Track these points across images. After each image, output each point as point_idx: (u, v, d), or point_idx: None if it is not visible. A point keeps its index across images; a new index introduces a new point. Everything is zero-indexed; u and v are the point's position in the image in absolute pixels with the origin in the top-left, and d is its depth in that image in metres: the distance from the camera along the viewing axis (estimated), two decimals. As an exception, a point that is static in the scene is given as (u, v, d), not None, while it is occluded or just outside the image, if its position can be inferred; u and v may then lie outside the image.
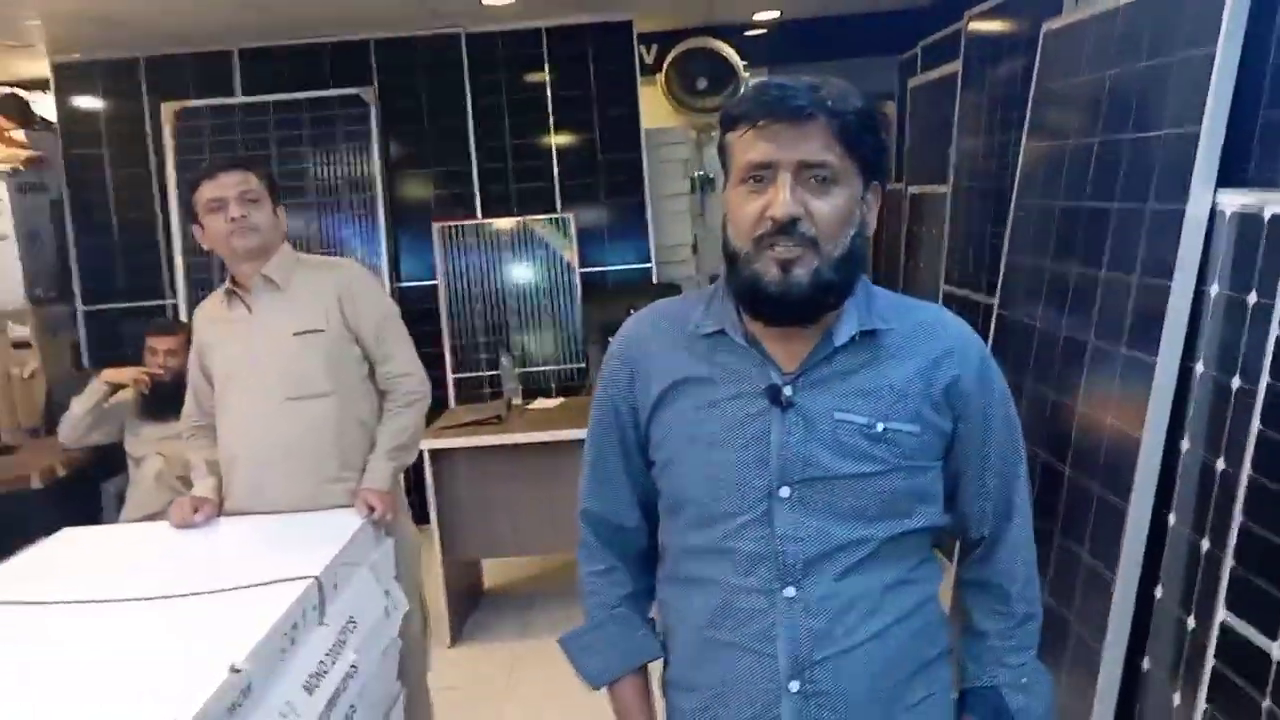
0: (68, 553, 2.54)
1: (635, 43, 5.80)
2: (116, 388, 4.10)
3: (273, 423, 2.68)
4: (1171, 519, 2.31)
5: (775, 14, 6.34)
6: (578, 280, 5.66)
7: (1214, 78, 2.23)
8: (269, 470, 2.68)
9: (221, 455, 2.76)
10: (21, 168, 5.59)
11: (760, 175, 1.30)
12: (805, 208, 1.28)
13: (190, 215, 2.73)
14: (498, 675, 3.99)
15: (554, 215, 5.71)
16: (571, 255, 5.65)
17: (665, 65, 6.59)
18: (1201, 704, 2.10)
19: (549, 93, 5.80)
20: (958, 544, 1.58)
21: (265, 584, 2.11)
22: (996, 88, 4.08)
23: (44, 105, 6.00)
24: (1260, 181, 2.19)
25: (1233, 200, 2.20)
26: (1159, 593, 2.35)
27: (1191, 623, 2.19)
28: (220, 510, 2.71)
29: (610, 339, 1.56)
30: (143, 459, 4.05)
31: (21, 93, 6.07)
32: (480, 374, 5.63)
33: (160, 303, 5.70)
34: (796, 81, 1.29)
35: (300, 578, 2.13)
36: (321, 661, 2.06)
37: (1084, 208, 2.80)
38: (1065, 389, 2.78)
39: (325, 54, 5.71)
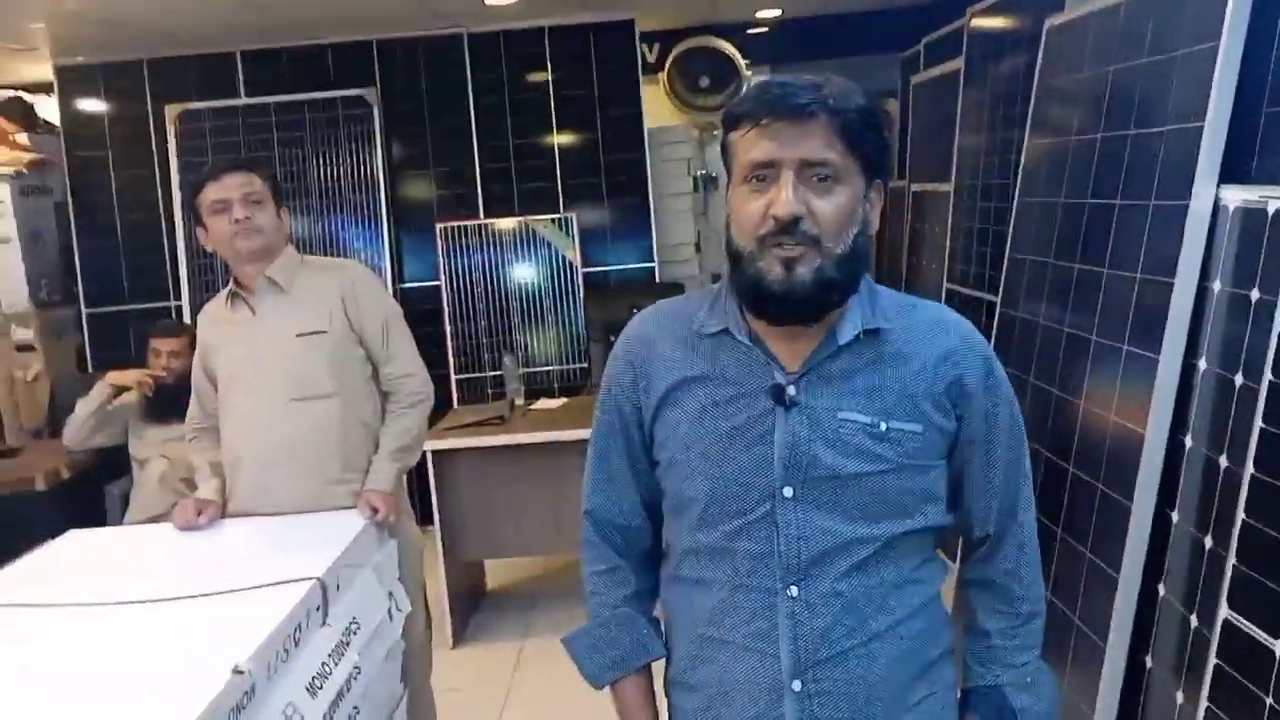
0: (72, 555, 2.54)
1: (637, 42, 5.80)
2: (121, 390, 4.11)
3: (276, 424, 2.68)
4: (1174, 516, 2.31)
5: (777, 12, 6.34)
6: (580, 280, 5.67)
7: (1217, 73, 2.22)
8: (273, 471, 2.68)
9: (225, 457, 2.76)
10: (25, 170, 5.60)
11: (763, 174, 1.30)
12: (808, 206, 1.28)
13: (194, 217, 2.74)
14: (500, 676, 3.99)
15: (556, 215, 5.71)
16: (574, 255, 5.66)
17: (667, 64, 6.59)
18: (1204, 702, 2.09)
19: (551, 92, 5.80)
20: (960, 543, 1.58)
21: (268, 585, 2.11)
22: (999, 84, 4.07)
23: (47, 108, 6.01)
24: (1263, 177, 2.18)
25: (1236, 196, 2.19)
26: (1162, 590, 2.34)
27: (1194, 620, 2.19)
28: (224, 512, 2.72)
29: (613, 338, 1.56)
30: (147, 461, 4.05)
31: (25, 96, 6.09)
32: (483, 374, 5.63)
33: (164, 305, 5.71)
34: (799, 80, 1.30)
35: (303, 579, 2.13)
36: (325, 663, 2.06)
37: (1087, 204, 2.79)
38: (1068, 386, 2.77)
39: (327, 55, 5.72)
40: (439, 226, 5.65)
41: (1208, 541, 2.16)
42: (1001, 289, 3.37)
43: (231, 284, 2.76)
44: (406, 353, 2.84)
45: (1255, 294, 2.08)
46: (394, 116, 5.73)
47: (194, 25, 5.11)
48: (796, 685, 1.36)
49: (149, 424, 4.09)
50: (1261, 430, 1.99)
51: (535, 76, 5.79)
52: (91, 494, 4.38)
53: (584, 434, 3.92)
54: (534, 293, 5.67)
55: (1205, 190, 2.25)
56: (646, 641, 1.56)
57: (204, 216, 2.68)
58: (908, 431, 1.36)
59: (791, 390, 1.36)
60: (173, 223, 5.66)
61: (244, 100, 5.64)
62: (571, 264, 5.66)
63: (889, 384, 1.37)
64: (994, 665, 1.50)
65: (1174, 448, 2.31)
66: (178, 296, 5.67)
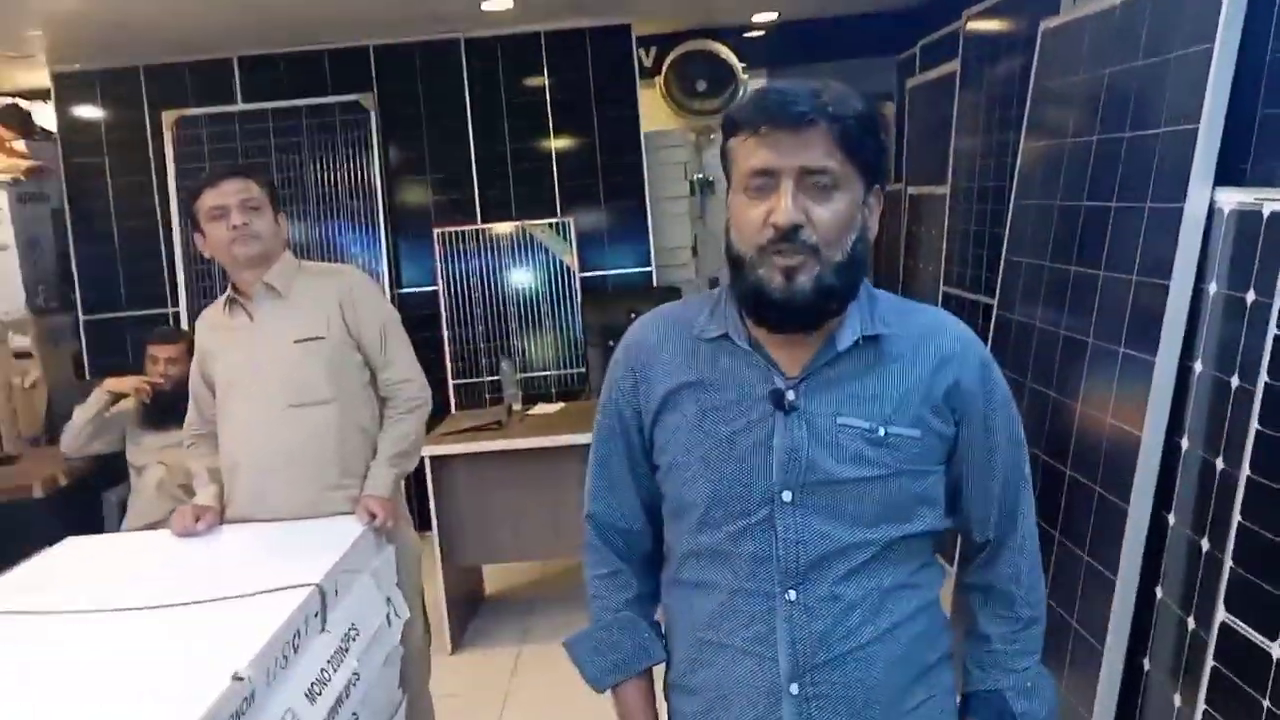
0: (70, 562, 2.54)
1: (634, 46, 5.80)
2: (118, 397, 4.11)
3: (274, 430, 2.68)
4: (1171, 519, 2.31)
5: (774, 15, 6.34)
6: (578, 284, 5.67)
7: (1212, 75, 2.23)
8: (271, 477, 2.68)
9: (223, 463, 2.76)
10: (22, 177, 5.60)
11: (762, 182, 1.30)
12: (807, 214, 1.28)
13: (192, 223, 2.74)
14: (499, 682, 3.99)
15: (554, 219, 5.72)
16: (571, 259, 5.66)
17: (664, 68, 6.60)
18: (1201, 704, 2.09)
19: (548, 97, 5.80)
20: (959, 547, 1.58)
21: (267, 592, 2.11)
22: (995, 87, 4.08)
23: (44, 115, 6.01)
24: (1258, 179, 2.19)
25: (1231, 198, 2.20)
26: (1159, 593, 2.34)
27: (1192, 623, 2.19)
28: (222, 518, 2.72)
29: (611, 343, 1.57)
30: (144, 468, 4.05)
31: (22, 103, 6.09)
32: (481, 379, 5.63)
33: (161, 311, 5.70)
34: (797, 87, 1.30)
35: (302, 585, 2.13)
36: (324, 669, 2.06)
37: (1082, 207, 2.80)
38: (1064, 389, 2.78)
39: (324, 61, 5.71)
40: (436, 232, 5.65)
41: (1204, 544, 2.17)
42: (998, 292, 3.38)
43: (229, 290, 2.77)
44: (404, 358, 2.84)
45: (1251, 296, 2.08)
46: (391, 122, 5.73)
47: (192, 28, 5.10)
48: (794, 689, 1.36)
49: (146, 431, 4.08)
50: (1257, 432, 1.99)
51: (532, 81, 5.79)
52: (89, 501, 4.37)
53: (582, 439, 3.96)
54: (531, 297, 5.67)
55: (1200, 192, 2.25)
56: (648, 645, 1.56)
57: (202, 223, 2.68)
58: (906, 437, 1.36)
59: (791, 395, 1.36)
60: (170, 229, 5.65)
61: (241, 106, 5.64)
62: (569, 268, 5.66)
63: (888, 389, 1.37)
64: (994, 670, 1.50)
65: (1170, 450, 2.32)
66: (175, 303, 5.66)
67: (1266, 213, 2.06)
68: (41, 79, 5.76)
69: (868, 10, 6.26)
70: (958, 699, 1.52)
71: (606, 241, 5.83)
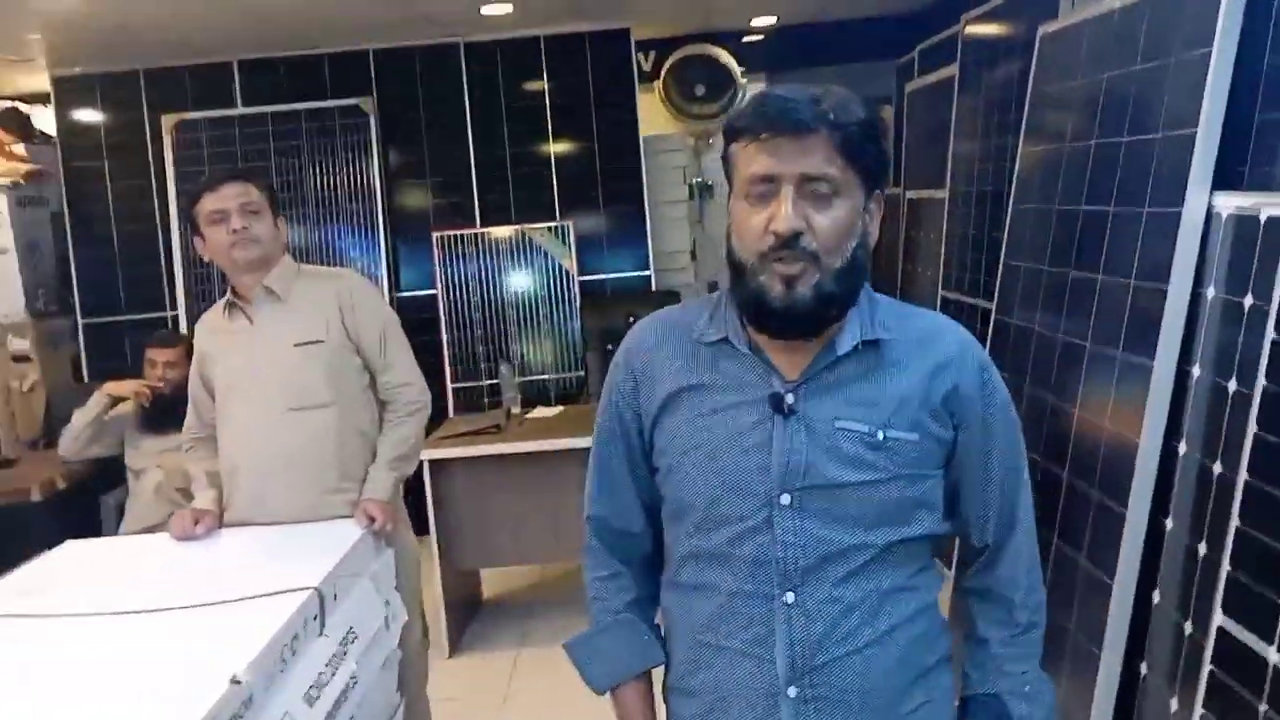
0: (69, 565, 2.54)
1: (633, 50, 5.81)
2: (117, 400, 4.11)
3: (274, 433, 2.68)
4: (1169, 523, 2.31)
5: (772, 20, 6.35)
6: (576, 288, 5.67)
7: (1209, 80, 2.23)
8: (270, 481, 2.68)
9: (222, 466, 2.76)
10: (22, 181, 5.60)
11: (763, 189, 1.30)
12: (807, 221, 1.29)
13: (191, 227, 2.74)
14: (496, 686, 3.98)
15: (553, 223, 5.72)
16: (570, 263, 5.66)
17: (663, 72, 6.61)
18: (1199, 709, 2.09)
19: (547, 101, 5.81)
20: (957, 551, 1.58)
21: (266, 595, 2.11)
22: (993, 91, 4.09)
23: (44, 119, 6.02)
24: (1256, 183, 2.19)
25: (1228, 202, 2.20)
26: (1157, 597, 2.35)
27: (1189, 627, 2.19)
28: (220, 522, 2.72)
29: (609, 347, 1.58)
30: (142, 472, 4.05)
31: (22, 106, 6.09)
32: (479, 383, 5.63)
33: (160, 315, 5.71)
34: (798, 93, 1.30)
35: (300, 588, 2.13)
36: (322, 672, 2.06)
37: (1081, 211, 2.80)
38: (1063, 393, 2.78)
39: (324, 65, 5.72)
40: (435, 235, 5.66)
41: (1202, 548, 2.17)
42: (996, 296, 3.38)
43: (229, 294, 2.77)
44: (404, 361, 2.84)
45: (1248, 300, 2.09)
46: (390, 126, 5.73)
47: (191, 34, 5.10)
48: (792, 691, 1.37)
49: (145, 434, 4.08)
50: (1256, 436, 2.00)
51: (531, 85, 5.80)
52: (87, 504, 4.37)
53: (580, 442, 3.96)
54: (530, 301, 5.68)
55: (1198, 197, 2.26)
56: (647, 647, 1.56)
57: (201, 226, 2.69)
58: (905, 440, 1.36)
59: (790, 399, 1.36)
60: (169, 233, 5.65)
61: (240, 110, 5.64)
62: (567, 272, 5.67)
63: (887, 393, 1.37)
64: (992, 674, 1.50)
65: (1168, 454, 2.32)
66: (174, 306, 5.67)
67: (1264, 217, 2.07)
68: (41, 83, 5.77)
69: (866, 15, 6.27)
70: (956, 702, 1.52)
71: (605, 245, 5.84)
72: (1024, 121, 3.30)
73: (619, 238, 5.84)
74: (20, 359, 5.45)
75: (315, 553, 2.39)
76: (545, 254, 5.67)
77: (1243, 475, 2.02)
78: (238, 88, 5.73)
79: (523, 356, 5.64)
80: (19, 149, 5.81)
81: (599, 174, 5.82)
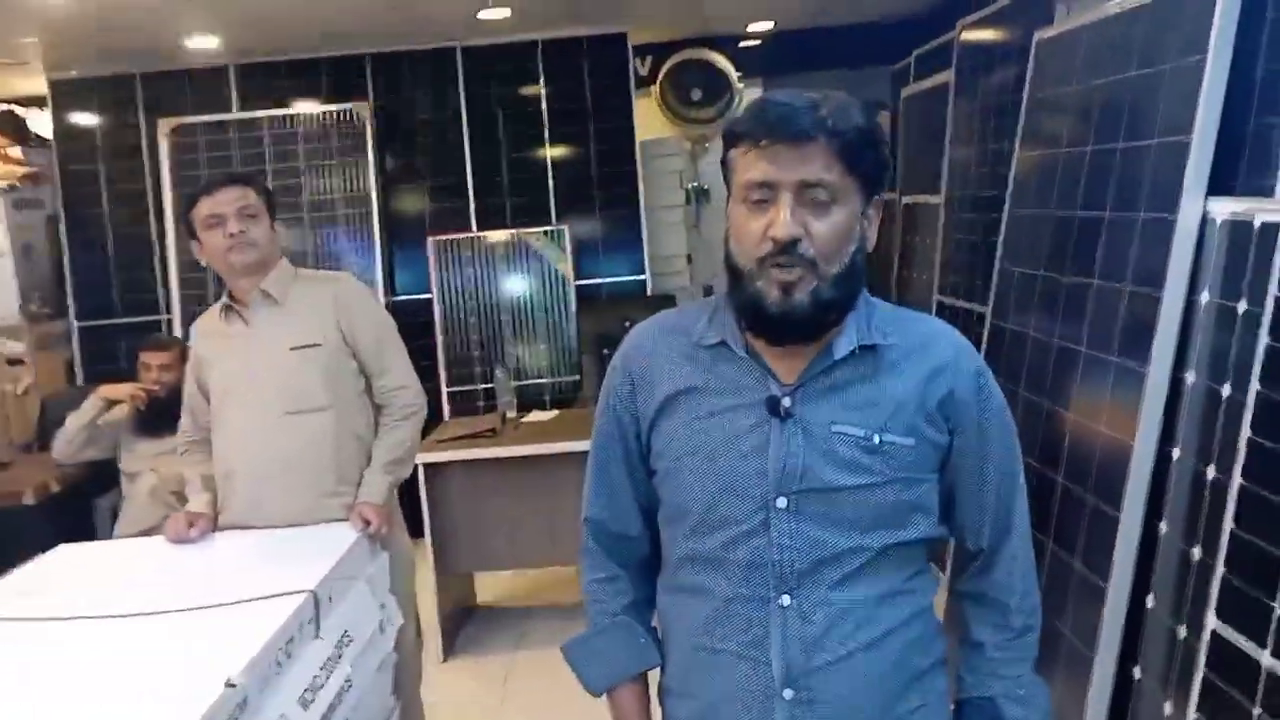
0: (63, 569, 2.54)
1: (630, 55, 5.82)
2: (112, 404, 4.10)
3: (270, 437, 2.68)
4: (1163, 527, 2.32)
5: (769, 25, 6.37)
6: (573, 292, 5.67)
7: (1204, 86, 2.24)
8: (267, 485, 2.68)
9: (218, 469, 2.76)
10: (17, 184, 5.60)
11: (761, 195, 1.31)
12: (805, 228, 1.29)
13: (188, 231, 2.74)
14: (490, 690, 3.98)
15: (549, 228, 5.72)
16: (566, 267, 5.66)
17: (660, 77, 6.61)
18: (1192, 712, 2.10)
19: (544, 105, 5.81)
20: (951, 555, 1.59)
21: (261, 598, 2.11)
22: (989, 97, 4.10)
23: (40, 122, 6.01)
24: (1250, 190, 2.20)
25: (1223, 208, 2.21)
26: (1150, 601, 2.35)
27: (1183, 631, 2.19)
28: (215, 525, 2.71)
29: (605, 351, 1.58)
30: (136, 475, 4.05)
31: (18, 110, 6.09)
32: (475, 387, 5.63)
33: (155, 318, 5.70)
34: (798, 100, 1.30)
35: (296, 592, 2.13)
36: (317, 675, 2.06)
37: (1076, 216, 2.81)
38: (1057, 397, 2.78)
39: (320, 69, 5.72)
40: (431, 239, 5.65)
41: (1196, 552, 2.17)
42: (991, 301, 3.39)
43: (225, 297, 2.77)
44: (400, 365, 2.84)
45: (1242, 306, 2.09)
46: (387, 130, 5.73)
47: (188, 38, 5.11)
48: (788, 694, 1.37)
49: (139, 438, 4.08)
50: (1249, 441, 2.00)
51: (528, 90, 5.80)
52: (80, 508, 4.37)
53: (576, 446, 3.97)
54: (526, 305, 5.68)
55: (1193, 203, 2.26)
56: (644, 649, 1.56)
57: (198, 230, 2.69)
58: (901, 445, 1.37)
59: (787, 402, 1.37)
60: (164, 237, 5.64)
61: (236, 114, 5.64)
62: (563, 276, 5.67)
63: (883, 397, 1.38)
64: (987, 677, 1.51)
65: (1162, 459, 2.33)
66: (168, 310, 5.66)
67: (1258, 223, 2.07)
68: (38, 86, 5.76)
69: (863, 20, 6.28)
70: (951, 706, 1.52)
71: (601, 250, 5.84)
72: (1019, 127, 3.30)
73: (615, 242, 5.85)
74: (14, 362, 5.45)
75: (310, 556, 2.39)
76: (541, 258, 5.66)
77: (1236, 480, 2.02)
78: (234, 92, 5.73)
79: (518, 360, 5.63)
80: (15, 152, 5.81)
81: (595, 178, 5.82)
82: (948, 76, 4.66)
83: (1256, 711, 1.90)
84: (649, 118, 6.44)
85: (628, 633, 1.57)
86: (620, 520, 1.57)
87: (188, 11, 4.55)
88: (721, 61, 6.57)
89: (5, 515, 4.05)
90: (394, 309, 5.55)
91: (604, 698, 1.58)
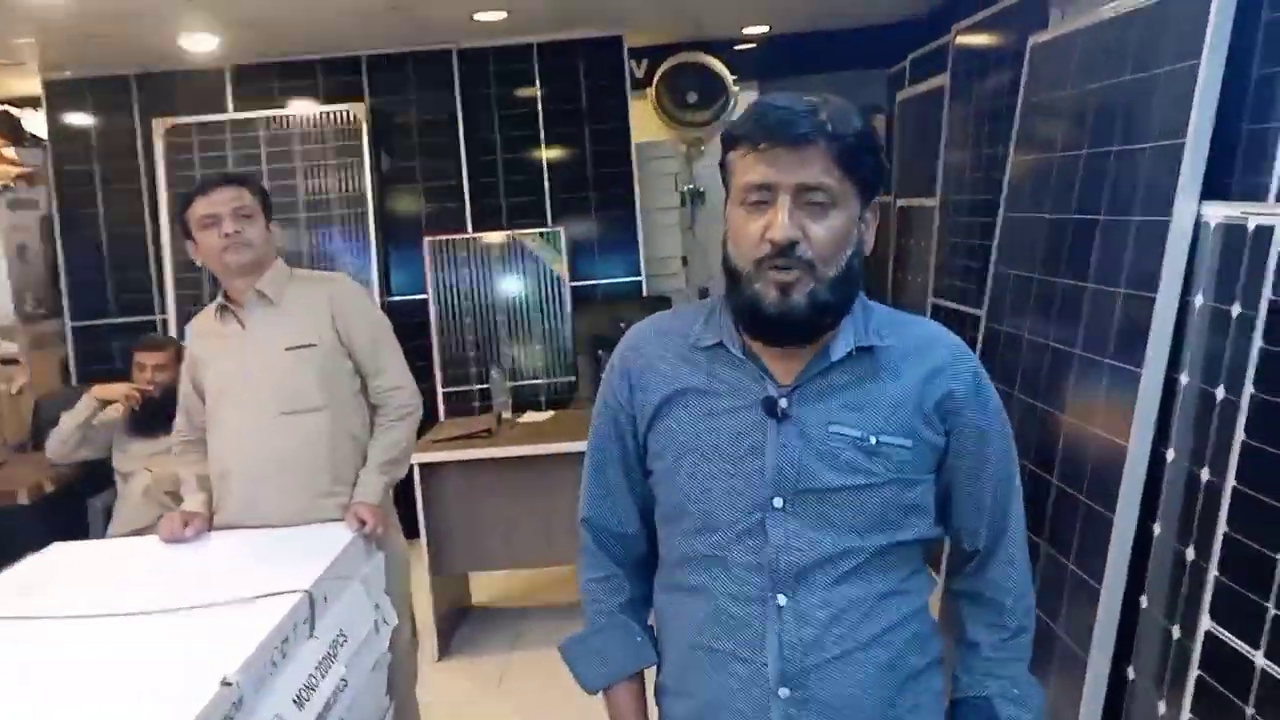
0: (58, 568, 2.53)
1: (626, 57, 5.82)
2: (106, 403, 4.10)
3: (266, 437, 2.68)
4: (1157, 529, 2.33)
5: (765, 28, 6.37)
6: (568, 293, 5.68)
7: (1198, 91, 2.25)
8: (262, 485, 2.68)
9: (213, 470, 2.76)
10: (12, 184, 5.59)
11: (760, 197, 1.31)
12: (803, 231, 1.30)
13: (183, 231, 2.74)
14: (485, 690, 3.98)
15: (545, 229, 5.72)
16: (562, 268, 5.67)
17: (655, 79, 6.61)
18: (1186, 713, 2.11)
19: (540, 107, 5.82)
20: (946, 555, 1.59)
21: (256, 598, 2.11)
22: (984, 101, 4.11)
23: (35, 122, 6.00)
24: (1244, 193, 2.21)
25: (1217, 212, 2.22)
26: (1144, 602, 2.36)
27: (1176, 632, 2.20)
28: (210, 525, 2.71)
29: (600, 352, 1.58)
30: (131, 475, 4.04)
31: (12, 110, 6.08)
32: (470, 387, 5.63)
33: (149, 318, 5.69)
34: (797, 104, 1.31)
35: (291, 591, 2.13)
36: (312, 675, 2.06)
37: (1070, 220, 2.82)
38: (1052, 400, 2.79)
39: (316, 70, 5.72)
40: (427, 240, 5.66)
41: (1189, 553, 2.18)
42: (986, 303, 3.39)
43: (221, 297, 2.76)
44: (395, 366, 2.84)
45: (1236, 308, 2.10)
46: (382, 131, 5.74)
47: (184, 38, 5.10)
48: (784, 693, 1.37)
49: (133, 437, 4.07)
50: (1243, 443, 2.01)
51: (524, 92, 5.81)
52: (74, 507, 4.36)
53: (571, 447, 3.97)
54: (522, 306, 5.68)
55: (1187, 206, 2.27)
56: (641, 648, 1.57)
57: (193, 230, 2.69)
58: (897, 446, 1.37)
59: (783, 403, 1.37)
60: (159, 237, 5.64)
61: (232, 115, 5.64)
62: (559, 277, 5.67)
63: (880, 399, 1.38)
64: (982, 677, 1.51)
65: (1156, 461, 2.33)
66: (163, 310, 5.65)
67: (1251, 226, 2.08)
68: (33, 86, 5.75)
69: (858, 24, 6.29)
70: (946, 705, 1.53)
71: (597, 251, 5.85)
72: (1014, 131, 3.31)
73: (610, 243, 5.85)
74: (9, 361, 5.44)
75: (306, 556, 2.39)
76: (537, 259, 5.67)
77: (1230, 481, 2.03)
78: (229, 92, 5.72)
79: (514, 361, 5.64)
80: (9, 152, 5.80)
81: (591, 180, 5.83)
82: (943, 80, 4.67)
83: (1250, 712, 1.91)
84: (644, 120, 6.45)
85: (624, 632, 1.58)
86: (617, 520, 1.57)
87: (183, 12, 4.55)
88: (717, 65, 6.57)
89: (-1, 515, 4.04)
90: (389, 309, 5.56)
91: (600, 696, 1.58)
